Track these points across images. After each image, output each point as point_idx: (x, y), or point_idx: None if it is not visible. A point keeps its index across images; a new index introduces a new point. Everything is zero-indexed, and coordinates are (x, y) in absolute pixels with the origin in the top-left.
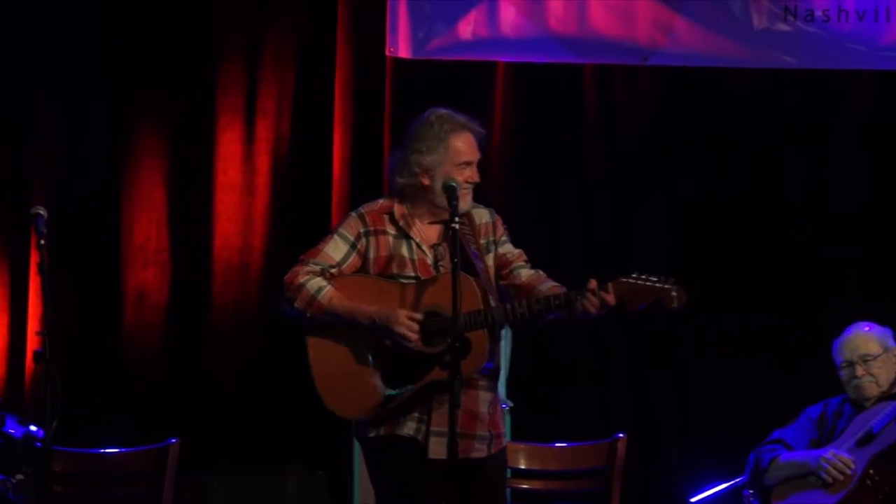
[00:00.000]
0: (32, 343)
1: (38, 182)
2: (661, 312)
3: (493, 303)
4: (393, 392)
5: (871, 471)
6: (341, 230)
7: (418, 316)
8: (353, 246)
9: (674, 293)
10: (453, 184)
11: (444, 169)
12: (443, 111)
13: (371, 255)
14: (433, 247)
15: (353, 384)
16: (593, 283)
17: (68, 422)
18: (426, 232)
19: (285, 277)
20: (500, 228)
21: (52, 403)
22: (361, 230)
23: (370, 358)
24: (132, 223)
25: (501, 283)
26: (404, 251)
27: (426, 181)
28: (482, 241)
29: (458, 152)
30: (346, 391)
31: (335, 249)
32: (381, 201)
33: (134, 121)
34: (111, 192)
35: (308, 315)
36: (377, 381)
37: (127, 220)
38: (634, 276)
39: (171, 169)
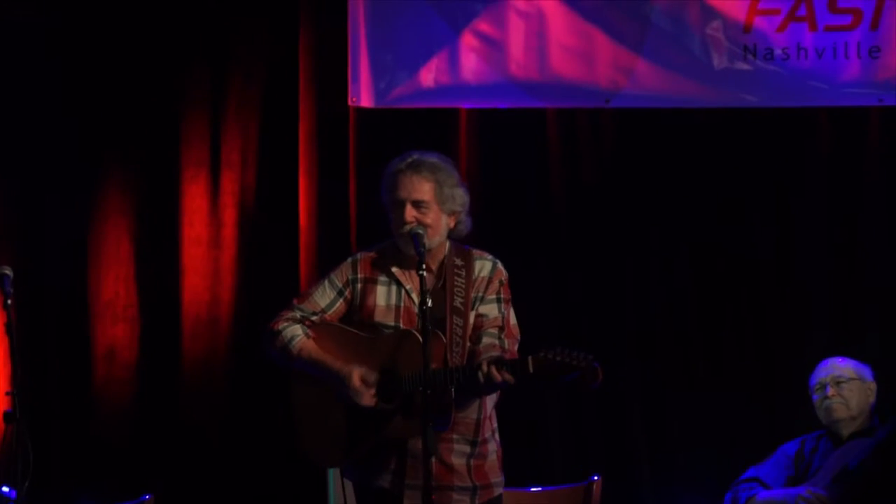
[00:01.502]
0: (2, 403)
1: (2, 240)
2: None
3: (452, 363)
4: (357, 452)
5: None
6: (332, 276)
7: (372, 378)
8: (339, 293)
9: (592, 372)
10: (419, 230)
11: (391, 210)
12: (412, 153)
13: (357, 302)
14: (421, 294)
15: (326, 433)
16: (484, 367)
17: (41, 481)
18: (416, 279)
19: (269, 322)
20: (494, 285)
21: (23, 463)
22: (350, 277)
23: (342, 409)
24: (99, 279)
25: (469, 345)
26: (392, 299)
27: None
28: (472, 295)
29: (388, 190)
30: (319, 439)
31: (322, 296)
32: (379, 246)
33: (98, 176)
34: (77, 248)
35: (281, 362)
36: (346, 432)
37: (94, 277)
38: (554, 351)
39: (138, 223)
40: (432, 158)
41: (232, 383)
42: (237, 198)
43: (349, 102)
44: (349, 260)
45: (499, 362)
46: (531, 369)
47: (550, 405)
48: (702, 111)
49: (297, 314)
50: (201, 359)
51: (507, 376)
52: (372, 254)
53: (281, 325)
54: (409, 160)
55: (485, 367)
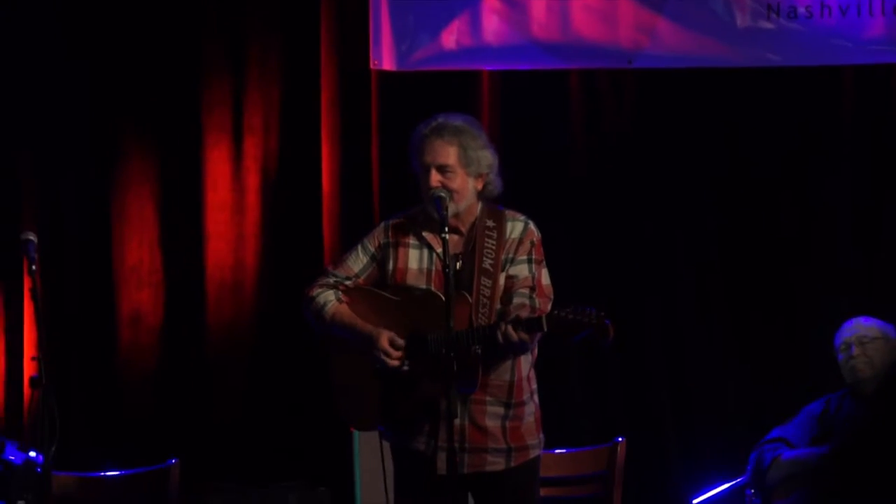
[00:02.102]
0: (29, 369)
1: (27, 207)
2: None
3: (477, 323)
4: (391, 416)
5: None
6: (365, 241)
7: (399, 341)
8: (372, 257)
9: (602, 328)
10: (442, 194)
11: (419, 174)
12: (437, 117)
13: (390, 266)
14: (455, 256)
15: (362, 397)
16: (502, 327)
17: (67, 446)
18: (449, 241)
19: (305, 288)
20: (525, 246)
21: (49, 428)
22: (383, 241)
23: (375, 374)
24: (123, 245)
25: (501, 306)
26: (424, 262)
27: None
28: (503, 257)
29: (414, 155)
30: (356, 404)
31: (355, 261)
32: (412, 210)
33: (121, 142)
34: (102, 214)
35: (318, 327)
36: (380, 396)
37: (118, 242)
38: (567, 310)
39: (161, 189)
40: (457, 121)
41: (256, 348)
42: (260, 163)
43: (371, 66)
44: (381, 224)
45: (515, 322)
46: (545, 328)
47: (575, 367)
48: (725, 70)
49: (331, 280)
50: (226, 323)
51: (523, 335)
52: (403, 218)
53: (315, 292)
54: (434, 124)
55: (502, 327)
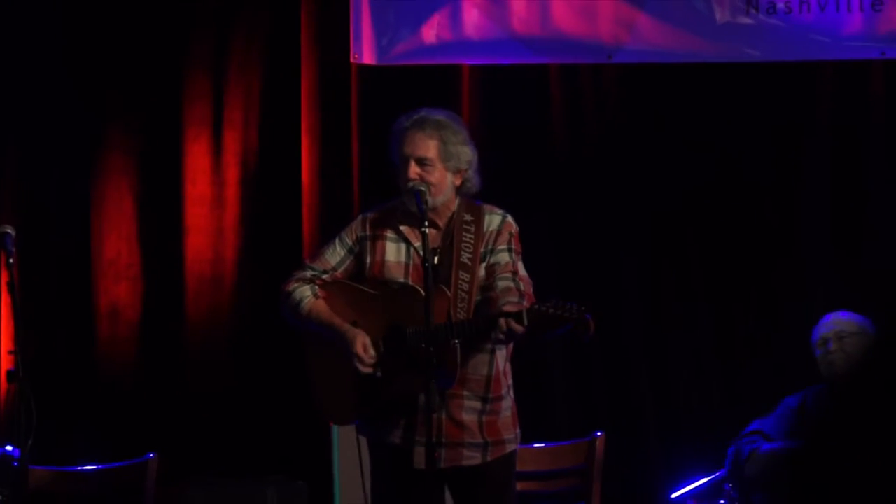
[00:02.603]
0: (5, 362)
1: (6, 199)
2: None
3: (455, 318)
4: (367, 410)
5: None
6: (343, 234)
7: (372, 350)
8: (350, 250)
9: (583, 324)
10: (421, 188)
11: (398, 166)
12: (419, 110)
13: (368, 259)
14: (433, 250)
15: (339, 391)
16: (502, 324)
17: (44, 440)
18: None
19: (282, 283)
20: (504, 236)
21: (26, 422)
22: (360, 234)
23: (352, 367)
24: (102, 238)
25: (484, 294)
26: (402, 256)
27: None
28: (481, 250)
29: (395, 147)
30: (333, 397)
31: (333, 254)
32: (390, 203)
33: (101, 135)
34: (80, 207)
35: (294, 322)
36: (356, 390)
37: (97, 236)
38: (547, 304)
39: (140, 182)
40: (439, 115)
41: (235, 342)
42: (240, 157)
43: (351, 59)
44: (359, 217)
45: (499, 315)
46: (525, 322)
47: (555, 361)
48: (704, 65)
49: (308, 273)
50: (204, 317)
51: (515, 326)
52: (380, 212)
53: (291, 286)
54: (416, 117)
55: (503, 324)
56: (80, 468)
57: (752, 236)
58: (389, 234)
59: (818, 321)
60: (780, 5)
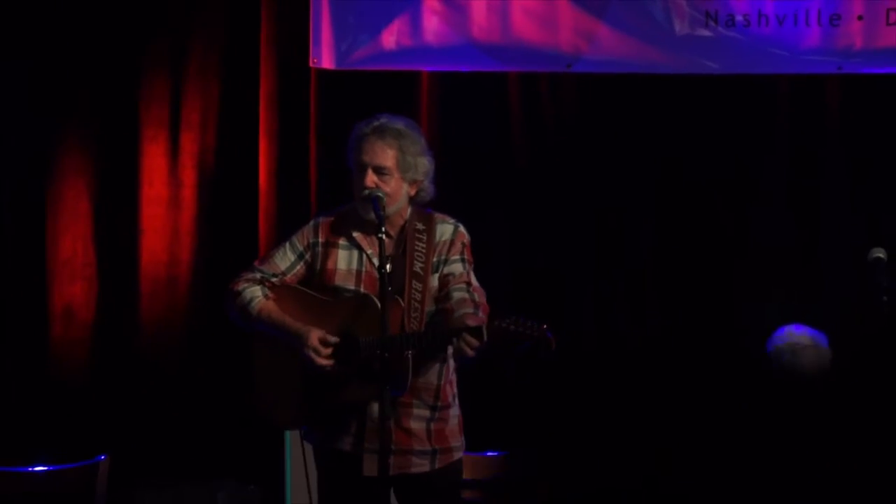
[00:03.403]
0: None
1: None
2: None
3: (409, 328)
4: (313, 414)
5: None
6: (293, 239)
7: (332, 339)
8: (300, 256)
9: (545, 341)
10: (379, 194)
11: (354, 172)
12: (379, 116)
13: (318, 265)
14: (384, 259)
15: (285, 394)
16: (465, 328)
17: None
18: (377, 243)
19: (230, 283)
20: (457, 246)
21: None
22: (311, 241)
23: (301, 371)
24: (57, 238)
25: (438, 305)
26: (353, 263)
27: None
28: (434, 259)
29: (352, 152)
30: (278, 401)
31: (282, 258)
32: (341, 209)
33: (57, 134)
34: (35, 206)
35: (242, 322)
36: (304, 394)
37: (52, 235)
38: (508, 320)
39: (97, 182)
40: (398, 124)
41: (190, 344)
42: (197, 158)
43: (310, 63)
44: (310, 223)
45: (456, 331)
46: (485, 338)
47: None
48: (663, 77)
49: (258, 275)
50: (159, 319)
51: (472, 341)
52: (333, 217)
53: (241, 286)
54: (376, 124)
55: (459, 343)
56: (30, 469)
57: (707, 244)
58: (342, 241)
59: (772, 333)
60: (739, 18)
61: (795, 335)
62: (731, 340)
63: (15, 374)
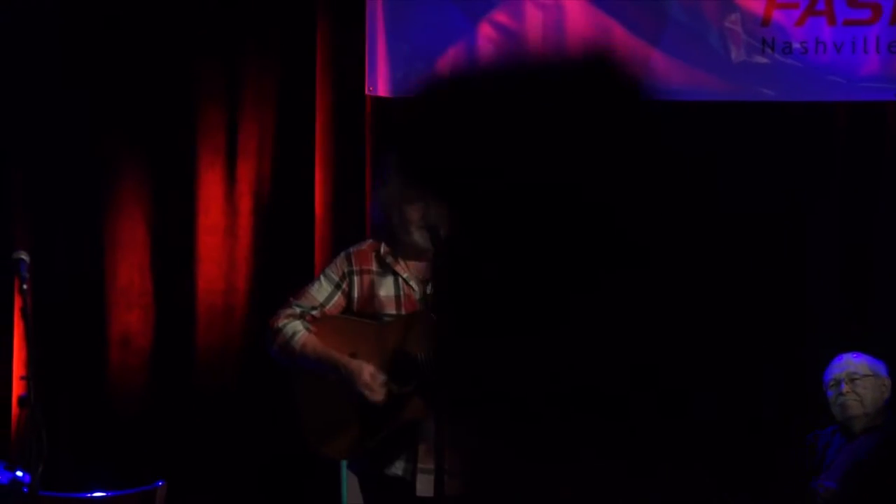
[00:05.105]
0: (17, 388)
1: (19, 227)
2: None
3: None
4: (370, 441)
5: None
6: (328, 271)
7: (381, 378)
8: (337, 286)
9: None
10: (435, 223)
11: (398, 204)
12: None
13: (356, 294)
14: (423, 282)
15: (336, 426)
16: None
17: (54, 466)
18: (414, 268)
19: (269, 319)
20: None
21: (37, 448)
22: (346, 270)
23: (351, 400)
24: (115, 266)
25: None
26: (389, 289)
27: (390, 217)
28: None
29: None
30: (329, 433)
31: (319, 290)
32: (370, 240)
33: (115, 163)
34: (94, 235)
35: (285, 359)
36: (358, 425)
37: (110, 263)
38: None
39: (153, 211)
40: None
41: (246, 372)
42: (253, 187)
43: (366, 92)
44: (342, 254)
45: None
46: None
47: None
48: (719, 104)
49: (297, 310)
50: (216, 347)
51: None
52: (364, 247)
53: (281, 323)
54: None
55: None
56: (89, 495)
57: (762, 274)
58: (376, 268)
59: (830, 362)
60: (796, 45)
61: (854, 364)
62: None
63: (73, 401)
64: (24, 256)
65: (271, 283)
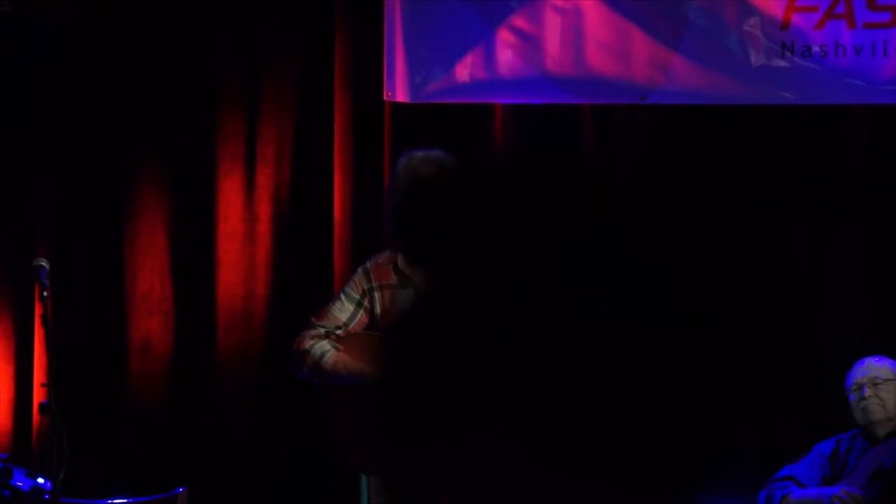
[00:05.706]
0: (38, 395)
1: (40, 233)
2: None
3: None
4: None
5: None
6: (347, 289)
7: None
8: (358, 304)
9: None
10: None
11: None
12: (415, 152)
13: (378, 309)
14: None
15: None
16: None
17: (75, 473)
18: None
19: (292, 344)
20: None
21: (58, 455)
22: (366, 287)
23: None
24: (135, 272)
25: None
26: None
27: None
28: None
29: None
30: (364, 446)
31: (341, 310)
32: (386, 252)
33: (135, 170)
34: (113, 241)
35: (315, 380)
36: None
37: (130, 270)
38: None
39: (173, 217)
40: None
41: (265, 378)
42: (272, 193)
43: (384, 97)
44: (359, 270)
45: None
46: None
47: None
48: (738, 108)
49: (321, 330)
50: (236, 353)
51: None
52: (381, 260)
53: (307, 344)
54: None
55: None
56: (110, 501)
57: (783, 276)
58: (394, 281)
59: (852, 366)
60: (816, 49)
61: (876, 367)
62: (812, 376)
63: (94, 408)
64: (45, 263)
65: (291, 288)
